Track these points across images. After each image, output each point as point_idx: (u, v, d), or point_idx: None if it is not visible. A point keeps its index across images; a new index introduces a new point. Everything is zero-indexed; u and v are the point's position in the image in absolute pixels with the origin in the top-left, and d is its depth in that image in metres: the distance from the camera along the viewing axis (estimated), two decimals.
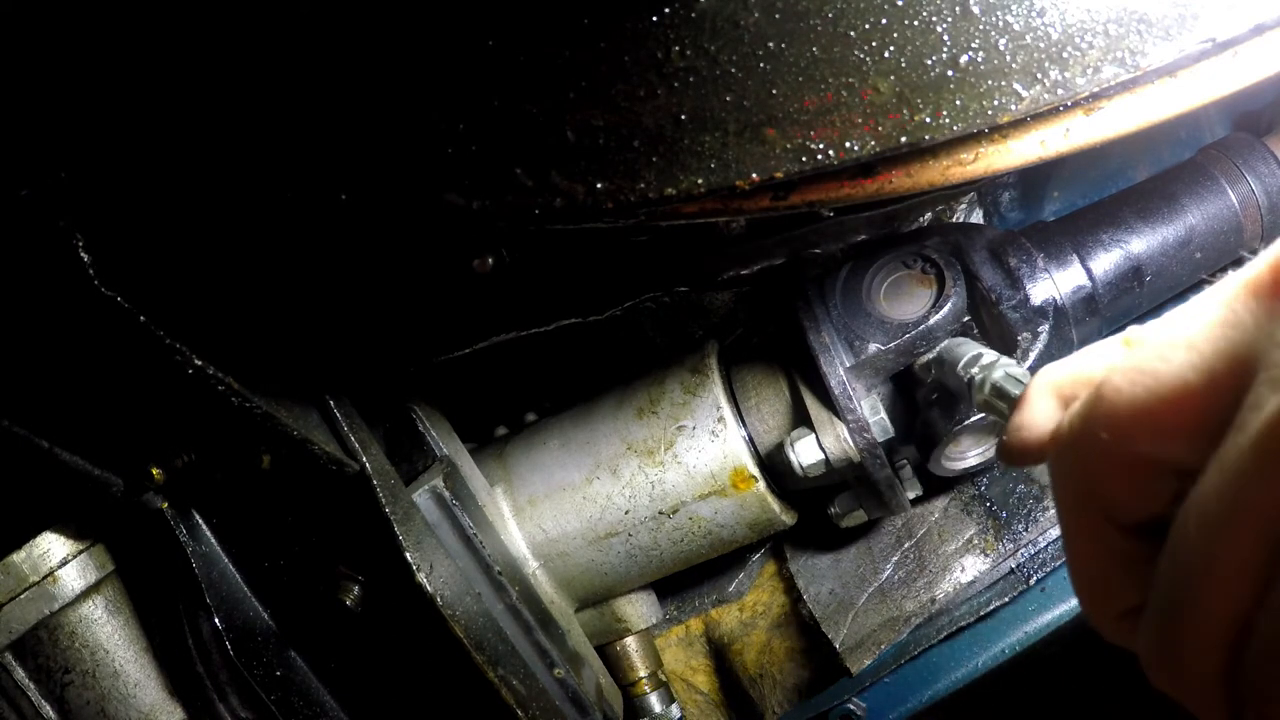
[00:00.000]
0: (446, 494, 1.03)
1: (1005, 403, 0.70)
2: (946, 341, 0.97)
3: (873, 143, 0.67)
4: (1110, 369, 0.45)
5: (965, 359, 0.85)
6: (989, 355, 0.83)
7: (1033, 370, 0.92)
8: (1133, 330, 0.46)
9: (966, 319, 1.01)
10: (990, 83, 0.67)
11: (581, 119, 0.68)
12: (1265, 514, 0.37)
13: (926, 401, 1.00)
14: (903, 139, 0.67)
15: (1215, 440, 0.39)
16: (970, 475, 1.20)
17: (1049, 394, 0.55)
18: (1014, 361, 0.79)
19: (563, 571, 1.16)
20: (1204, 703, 0.41)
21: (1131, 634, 0.47)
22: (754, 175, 0.68)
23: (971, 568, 1.21)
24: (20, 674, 1.02)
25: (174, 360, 0.77)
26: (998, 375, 0.73)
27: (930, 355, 0.99)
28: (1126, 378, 0.44)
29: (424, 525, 1.00)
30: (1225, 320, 0.41)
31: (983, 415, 0.93)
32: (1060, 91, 0.67)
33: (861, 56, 0.67)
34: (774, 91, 0.67)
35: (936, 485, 1.23)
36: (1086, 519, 0.48)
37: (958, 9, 0.66)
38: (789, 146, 0.67)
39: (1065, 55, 0.67)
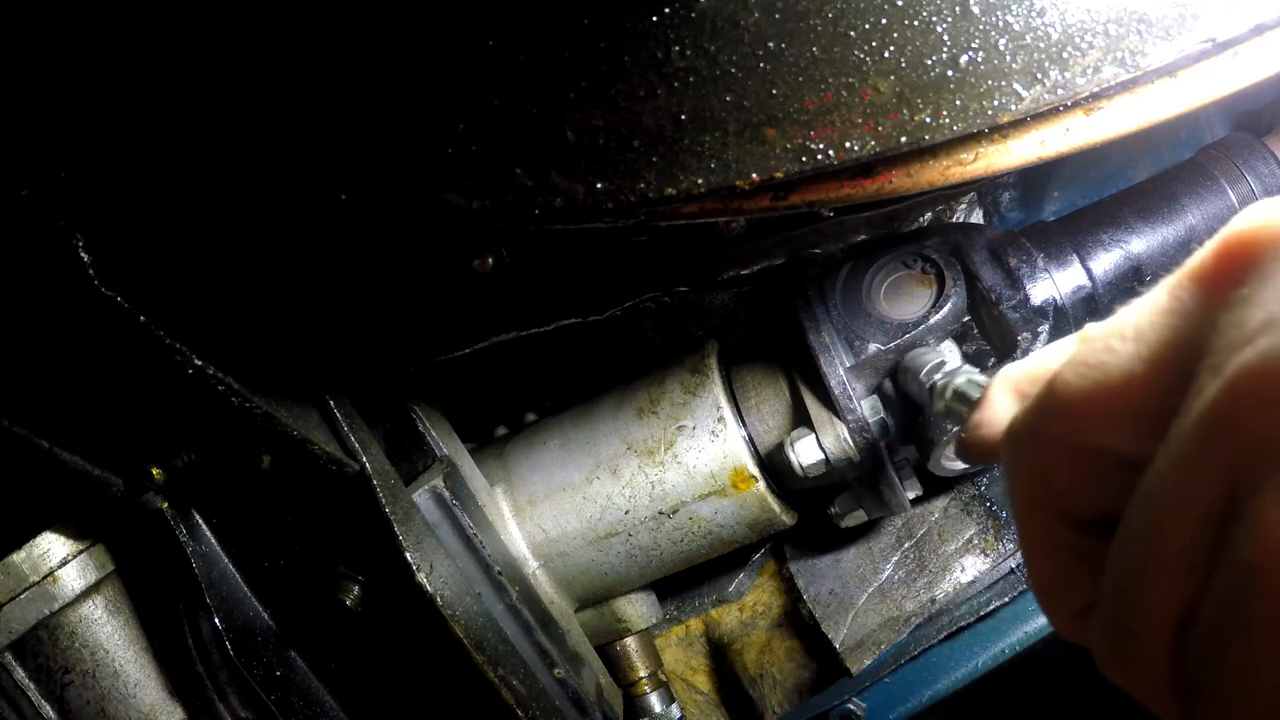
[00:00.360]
0: (446, 494, 1.03)
1: (967, 407, 0.70)
2: (910, 351, 0.97)
3: (873, 143, 0.67)
4: (1062, 363, 0.45)
5: (928, 366, 0.85)
6: (952, 363, 0.83)
7: None
8: (1090, 326, 0.46)
9: (966, 319, 1.01)
10: (990, 83, 0.67)
11: (581, 119, 0.68)
12: (1205, 499, 0.37)
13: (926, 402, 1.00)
14: (903, 139, 0.67)
15: (1164, 429, 0.39)
16: (970, 475, 1.21)
17: (1008, 391, 0.55)
18: (976, 370, 0.79)
19: (563, 571, 1.16)
20: (1154, 693, 0.41)
21: (1087, 632, 0.47)
22: (754, 175, 0.68)
23: (971, 568, 1.21)
24: (20, 674, 1.02)
25: (174, 360, 0.77)
26: (960, 381, 0.73)
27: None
28: (1075, 370, 0.44)
29: (424, 525, 1.00)
30: (1171, 309, 0.41)
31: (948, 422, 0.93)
32: (1060, 91, 0.67)
33: (861, 56, 0.67)
34: (774, 91, 0.67)
35: (936, 485, 1.23)
36: (1039, 514, 0.48)
37: (958, 9, 0.66)
38: (789, 146, 0.67)
39: (1065, 55, 0.67)
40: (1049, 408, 0.46)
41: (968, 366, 0.80)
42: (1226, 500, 0.36)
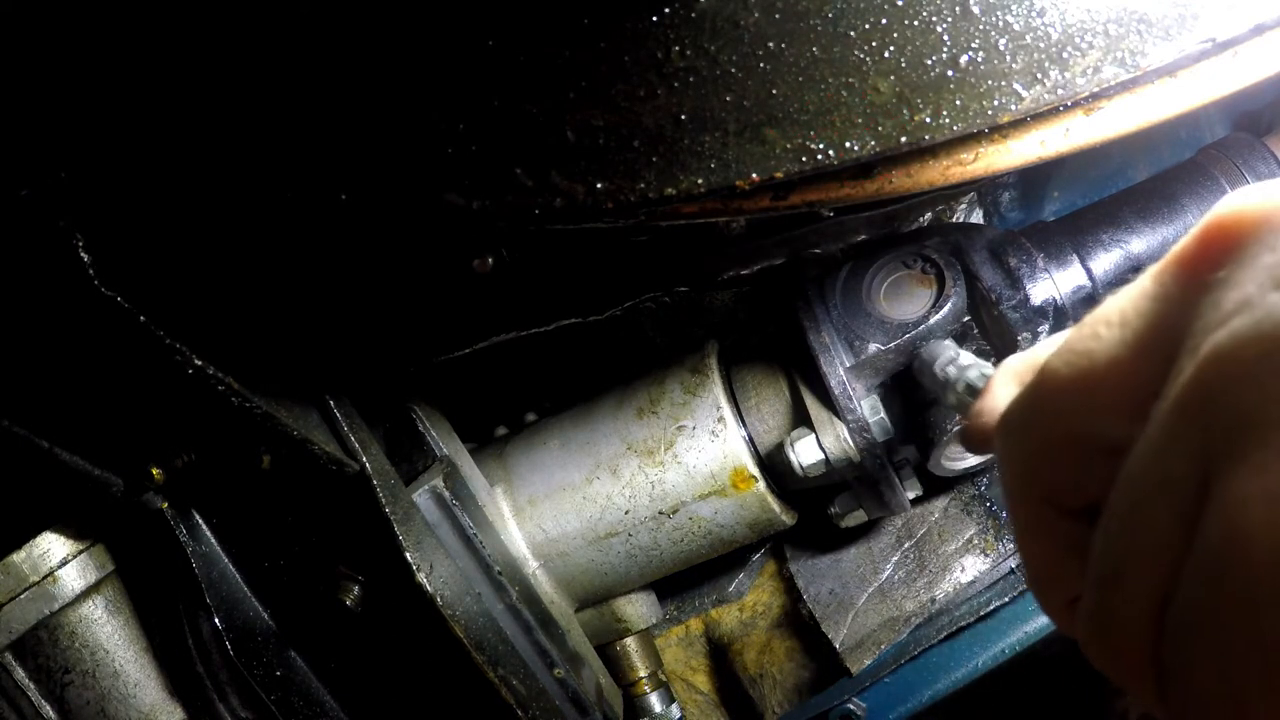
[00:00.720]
0: (446, 494, 1.03)
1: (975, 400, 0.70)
2: (928, 343, 0.97)
3: (873, 143, 0.67)
4: (1052, 351, 0.45)
5: (942, 358, 0.85)
6: (966, 357, 0.84)
7: None
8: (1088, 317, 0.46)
9: (966, 319, 1.01)
10: (990, 83, 0.67)
11: (581, 119, 0.68)
12: (1181, 481, 0.36)
13: (926, 401, 1.00)
14: (903, 139, 0.67)
15: (1149, 414, 0.39)
16: (970, 475, 1.21)
17: (1010, 381, 0.54)
18: (989, 364, 0.80)
19: (563, 571, 1.16)
20: (1134, 678, 0.41)
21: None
22: (754, 175, 0.68)
23: (971, 568, 1.21)
24: (20, 674, 1.02)
25: (174, 360, 0.77)
26: (972, 374, 0.73)
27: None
28: (1063, 358, 0.44)
29: (424, 525, 1.00)
30: (1155, 294, 0.42)
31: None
32: (1060, 91, 0.67)
33: (861, 56, 0.67)
34: (774, 91, 0.67)
35: (936, 485, 1.23)
36: (1030, 502, 0.47)
37: (958, 9, 0.66)
38: (789, 146, 0.67)
39: (1065, 55, 0.67)
40: (1038, 395, 0.46)
41: (981, 361, 0.80)
42: (1200, 481, 0.36)
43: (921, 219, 1.22)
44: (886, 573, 1.24)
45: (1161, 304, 0.41)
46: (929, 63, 0.67)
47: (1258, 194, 0.40)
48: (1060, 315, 1.00)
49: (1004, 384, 0.55)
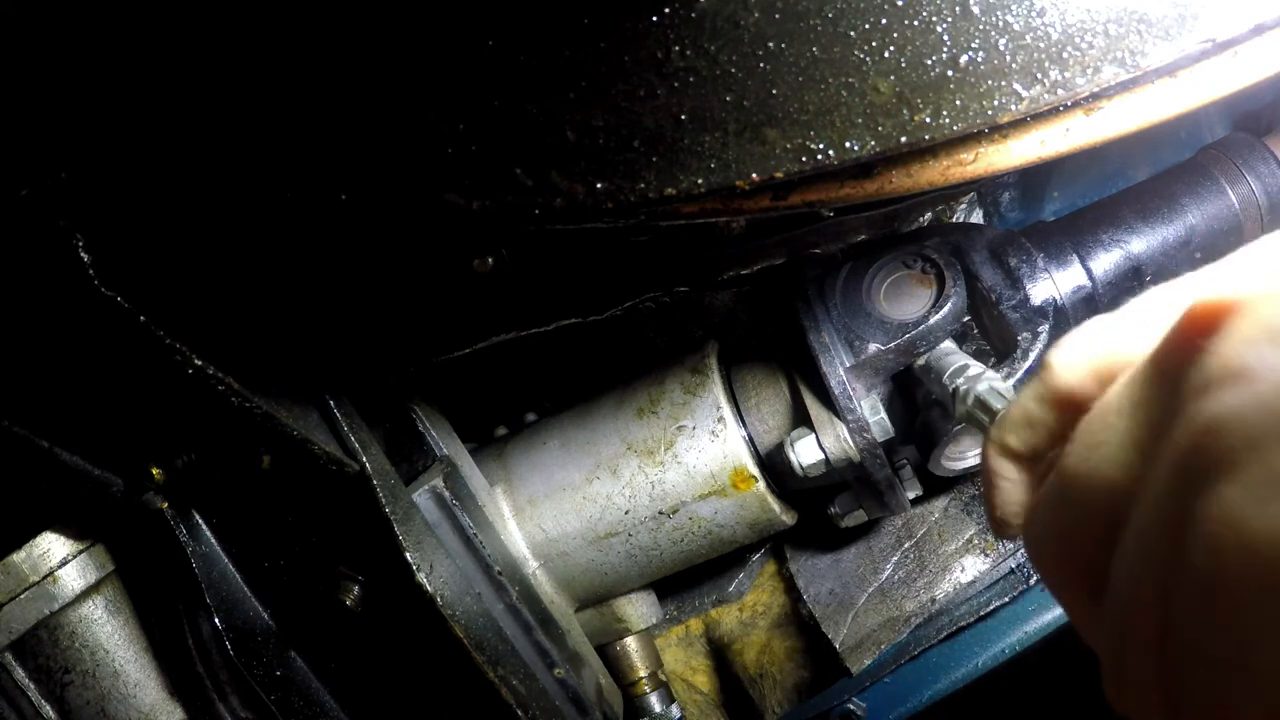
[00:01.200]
0: (446, 494, 1.03)
1: (987, 415, 0.71)
2: (936, 349, 0.97)
3: (873, 143, 0.67)
4: (1066, 452, 0.47)
5: (951, 369, 0.85)
6: (975, 367, 0.84)
7: (1029, 371, 0.93)
8: (1051, 355, 0.50)
9: (966, 319, 1.01)
10: (990, 83, 0.67)
11: (581, 119, 0.68)
12: (1160, 574, 0.38)
13: (926, 401, 1.00)
14: (903, 139, 0.67)
15: None
16: (970, 475, 1.20)
17: (1003, 459, 0.57)
18: (998, 375, 0.80)
19: (563, 571, 1.16)
20: None
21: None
22: (754, 175, 0.68)
23: (971, 568, 1.21)
24: (20, 674, 1.03)
25: (174, 360, 0.77)
26: (981, 388, 0.73)
27: (922, 360, 0.99)
28: (1079, 457, 0.46)
29: (424, 525, 1.00)
30: (1138, 399, 0.44)
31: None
32: (1060, 91, 0.67)
33: (861, 56, 0.67)
34: (774, 91, 0.67)
35: (936, 485, 1.23)
36: (1071, 595, 0.49)
37: (958, 9, 0.66)
38: (789, 146, 0.67)
39: (1065, 55, 0.67)
40: (1061, 500, 0.48)
41: (990, 373, 0.80)
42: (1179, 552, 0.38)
43: (921, 219, 1.22)
44: (886, 573, 1.24)
45: (1143, 409, 0.43)
46: (929, 63, 0.67)
47: (1234, 280, 0.43)
48: (1060, 315, 1.00)
49: (1002, 466, 0.57)
